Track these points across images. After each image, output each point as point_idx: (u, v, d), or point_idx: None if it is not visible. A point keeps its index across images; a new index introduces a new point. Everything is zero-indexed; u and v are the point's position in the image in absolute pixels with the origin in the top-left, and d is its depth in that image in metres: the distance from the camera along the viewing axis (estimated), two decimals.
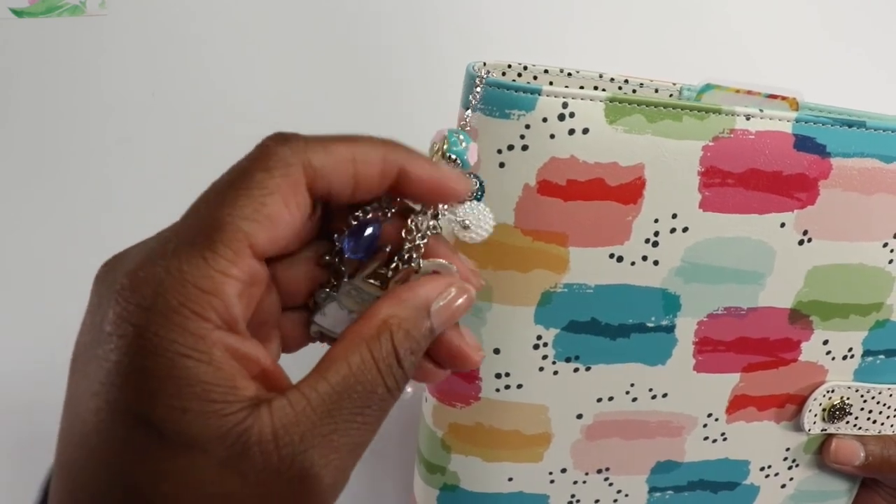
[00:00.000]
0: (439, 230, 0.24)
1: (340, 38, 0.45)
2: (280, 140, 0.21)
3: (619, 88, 0.35)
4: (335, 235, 0.24)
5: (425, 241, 0.24)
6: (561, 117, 0.29)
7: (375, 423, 0.21)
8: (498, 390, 0.34)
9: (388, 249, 0.24)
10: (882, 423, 0.38)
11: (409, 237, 0.24)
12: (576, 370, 0.34)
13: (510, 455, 0.35)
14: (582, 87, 0.35)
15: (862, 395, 0.37)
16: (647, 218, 0.31)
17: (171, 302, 0.18)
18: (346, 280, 0.24)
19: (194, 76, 0.45)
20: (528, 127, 0.29)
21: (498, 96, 0.29)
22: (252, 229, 0.19)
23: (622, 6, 0.47)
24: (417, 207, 0.24)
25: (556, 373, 0.34)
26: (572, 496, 0.37)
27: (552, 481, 0.36)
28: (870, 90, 0.49)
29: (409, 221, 0.24)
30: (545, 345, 0.33)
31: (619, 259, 0.32)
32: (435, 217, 0.24)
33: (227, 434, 0.18)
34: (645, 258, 0.32)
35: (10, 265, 0.45)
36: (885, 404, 0.37)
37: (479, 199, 0.26)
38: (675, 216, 0.31)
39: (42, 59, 0.44)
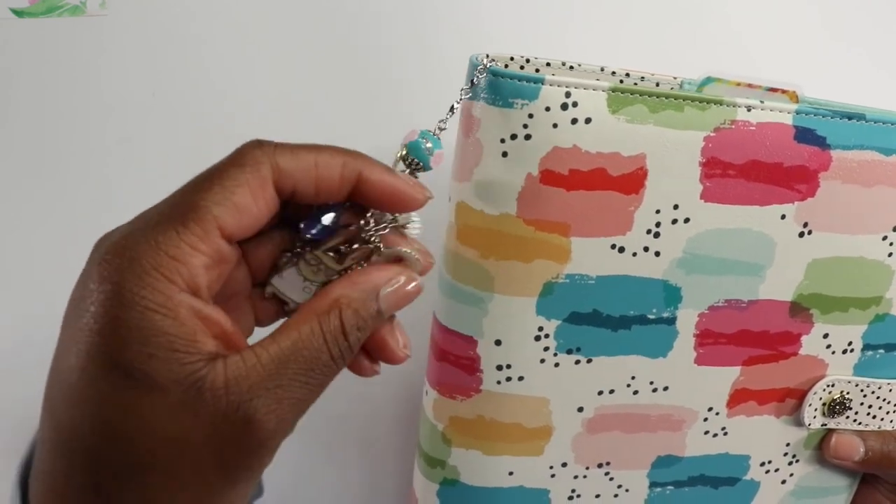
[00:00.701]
0: (398, 222, 0.27)
1: (341, 38, 0.46)
2: (255, 144, 0.24)
3: (621, 82, 0.35)
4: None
5: (385, 230, 0.26)
6: (564, 106, 0.29)
7: (318, 386, 0.24)
8: (499, 382, 0.34)
9: (351, 228, 0.26)
10: (882, 419, 0.38)
11: (366, 227, 0.26)
12: (577, 362, 0.34)
13: (511, 448, 0.35)
14: None
15: (862, 390, 0.37)
16: (649, 208, 0.31)
17: (145, 265, 0.22)
18: (307, 249, 0.27)
19: (195, 76, 0.45)
20: (531, 116, 0.29)
21: (501, 85, 0.29)
22: (221, 213, 0.23)
23: (623, 6, 0.47)
24: None
25: (557, 365, 0.34)
26: (573, 491, 0.37)
27: (553, 475, 0.36)
28: (870, 88, 0.49)
29: (367, 214, 0.26)
30: (546, 336, 0.33)
31: (621, 250, 0.32)
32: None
33: (185, 379, 0.21)
34: (646, 249, 0.32)
35: (10, 265, 0.45)
36: (885, 399, 0.37)
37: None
38: (676, 207, 0.31)
39: (42, 59, 0.44)
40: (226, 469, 0.23)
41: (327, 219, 0.26)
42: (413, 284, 0.26)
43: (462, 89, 0.30)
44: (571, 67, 0.35)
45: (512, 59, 0.34)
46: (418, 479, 0.38)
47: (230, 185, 0.23)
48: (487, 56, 0.33)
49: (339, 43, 0.47)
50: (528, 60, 0.34)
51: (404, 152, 0.28)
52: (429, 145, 0.27)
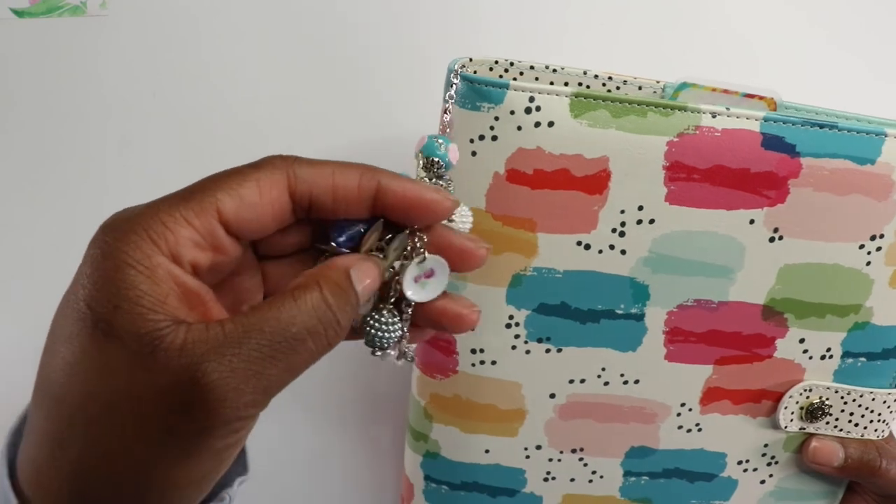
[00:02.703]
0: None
1: (339, 38, 0.45)
2: (277, 155, 0.25)
3: (603, 85, 0.36)
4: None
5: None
6: (528, 110, 0.31)
7: (288, 364, 0.23)
8: (473, 365, 0.36)
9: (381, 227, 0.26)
10: (865, 427, 0.38)
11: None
12: (547, 350, 0.36)
13: (486, 428, 0.38)
14: (566, 84, 0.36)
15: (842, 397, 0.37)
16: (613, 208, 0.33)
17: (135, 226, 0.23)
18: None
19: (195, 77, 0.45)
20: (497, 119, 0.31)
21: (470, 90, 0.31)
22: (222, 198, 0.24)
23: (620, 10, 0.48)
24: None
25: (528, 352, 0.36)
26: (548, 473, 0.39)
27: (528, 457, 0.38)
28: (861, 91, 0.48)
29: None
30: (517, 324, 0.35)
31: (587, 247, 0.33)
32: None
33: (144, 335, 0.22)
34: (612, 247, 0.33)
35: (10, 265, 0.46)
36: (867, 408, 0.37)
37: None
38: (641, 208, 0.33)
39: (42, 59, 0.44)
40: (173, 432, 0.22)
41: (355, 227, 0.26)
42: (369, 261, 0.25)
43: (447, 94, 0.33)
44: (555, 70, 0.36)
45: (496, 62, 0.36)
46: (407, 451, 0.41)
47: (240, 179, 0.24)
48: (471, 60, 0.35)
49: (338, 43, 0.46)
50: (511, 63, 0.36)
51: (422, 159, 0.27)
52: (440, 142, 0.27)
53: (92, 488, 0.23)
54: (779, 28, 0.49)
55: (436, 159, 0.27)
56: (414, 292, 0.26)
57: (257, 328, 0.22)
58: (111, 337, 0.22)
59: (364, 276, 0.25)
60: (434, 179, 0.28)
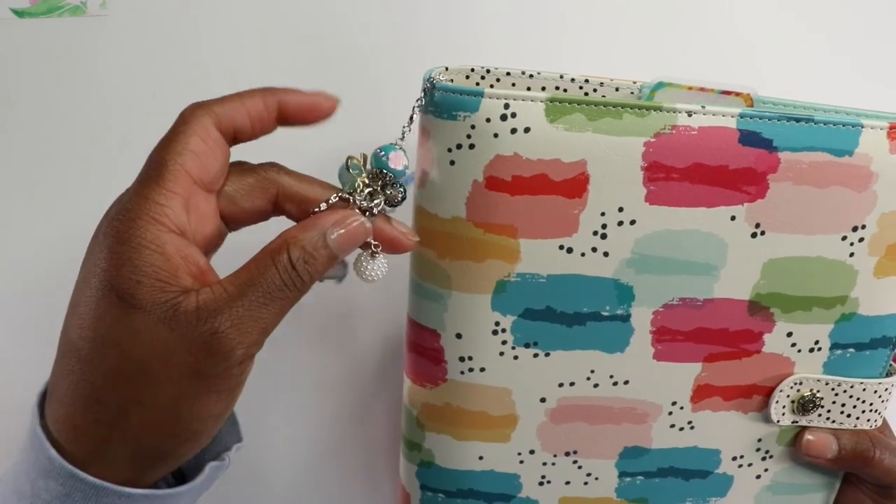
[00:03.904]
0: (384, 211, 0.32)
1: (341, 39, 0.46)
2: (192, 105, 0.30)
3: (580, 87, 0.36)
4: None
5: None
6: (503, 117, 0.31)
7: (278, 308, 0.29)
8: (462, 373, 0.36)
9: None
10: (857, 418, 0.38)
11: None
12: (535, 355, 0.36)
13: (479, 435, 0.38)
14: (543, 88, 0.36)
15: (833, 389, 0.37)
16: (594, 211, 0.33)
17: (139, 212, 0.28)
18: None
19: (196, 77, 0.45)
20: (473, 127, 0.31)
21: (445, 99, 0.31)
22: (184, 160, 0.29)
23: (621, 8, 0.48)
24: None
25: (516, 357, 0.36)
26: (542, 476, 0.39)
27: (521, 462, 0.38)
28: (858, 89, 0.48)
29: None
30: (503, 331, 0.35)
31: (569, 250, 0.33)
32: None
33: (164, 302, 0.27)
34: (595, 250, 0.33)
35: (10, 266, 0.46)
36: (858, 398, 0.37)
37: (397, 204, 0.32)
38: (621, 209, 0.33)
39: (43, 59, 0.44)
40: (199, 374, 0.28)
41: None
42: (357, 223, 0.30)
43: (418, 103, 0.33)
44: (531, 75, 0.36)
45: (472, 69, 0.36)
46: (401, 461, 0.41)
47: (182, 139, 0.29)
48: (447, 69, 0.35)
49: (338, 44, 0.47)
50: (488, 71, 0.36)
51: (367, 172, 0.32)
52: (381, 152, 0.31)
53: (135, 431, 0.28)
54: (779, 28, 0.49)
55: (382, 170, 0.31)
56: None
57: (250, 286, 0.28)
58: (137, 308, 0.27)
59: (339, 232, 0.30)
60: (382, 186, 0.32)
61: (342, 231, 0.30)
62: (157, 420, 0.28)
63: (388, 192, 0.31)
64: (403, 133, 0.32)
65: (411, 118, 0.32)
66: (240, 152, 0.32)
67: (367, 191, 0.31)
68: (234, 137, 0.31)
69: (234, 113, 0.30)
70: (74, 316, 0.28)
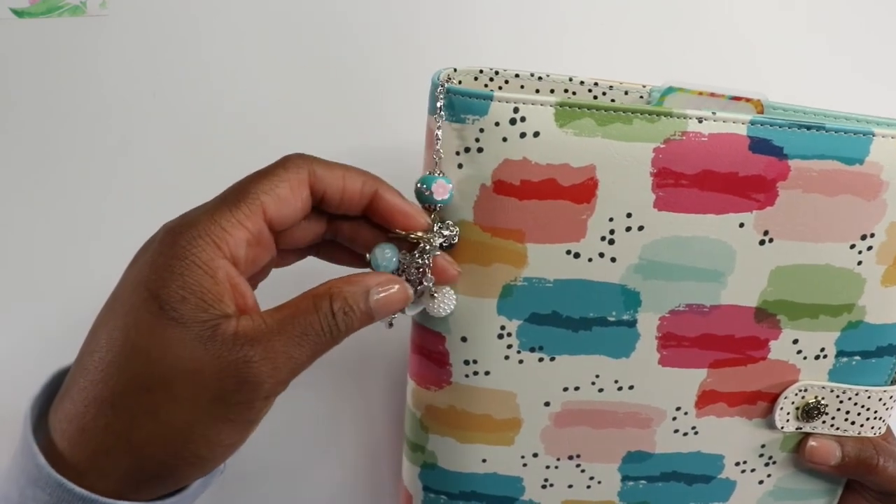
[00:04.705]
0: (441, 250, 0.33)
1: (342, 39, 0.46)
2: (298, 154, 0.31)
3: (589, 91, 0.36)
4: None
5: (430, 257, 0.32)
6: (512, 121, 0.31)
7: (311, 350, 0.29)
8: (467, 376, 0.36)
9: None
10: (862, 425, 0.38)
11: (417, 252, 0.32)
12: (540, 360, 0.35)
13: (483, 438, 0.38)
14: (552, 91, 0.36)
15: (837, 396, 0.37)
16: (602, 217, 0.33)
17: (200, 230, 0.28)
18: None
19: (195, 77, 0.45)
20: (482, 131, 0.31)
21: (454, 102, 0.31)
22: (266, 200, 0.29)
23: (621, 8, 0.48)
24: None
25: (521, 361, 0.35)
26: (545, 480, 0.39)
27: (525, 465, 0.38)
28: (859, 91, 0.48)
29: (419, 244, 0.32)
30: (509, 335, 0.35)
31: (577, 255, 0.33)
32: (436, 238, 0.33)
33: (205, 322, 0.27)
34: (602, 255, 0.33)
35: (10, 266, 0.46)
36: (863, 406, 0.37)
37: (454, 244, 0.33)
38: (629, 215, 0.33)
39: (42, 59, 0.44)
40: (222, 400, 0.27)
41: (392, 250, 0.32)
42: (397, 290, 0.31)
43: (431, 107, 0.32)
44: (540, 77, 0.36)
45: (481, 71, 0.36)
46: (404, 463, 0.41)
47: (275, 180, 0.29)
48: (455, 71, 0.35)
49: (339, 44, 0.47)
50: (496, 72, 0.36)
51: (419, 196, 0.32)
52: (422, 186, 0.32)
53: (141, 445, 0.27)
54: (778, 29, 0.49)
55: (432, 205, 0.32)
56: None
57: (290, 323, 0.28)
58: (177, 321, 0.27)
59: (380, 295, 0.31)
60: (432, 211, 0.32)
61: (382, 294, 0.30)
62: (166, 437, 0.27)
63: (446, 234, 0.32)
64: (437, 158, 0.32)
65: (435, 125, 0.32)
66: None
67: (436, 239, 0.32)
68: (321, 201, 0.31)
69: (332, 181, 0.30)
70: (109, 315, 0.28)
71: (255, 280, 0.33)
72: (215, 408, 0.27)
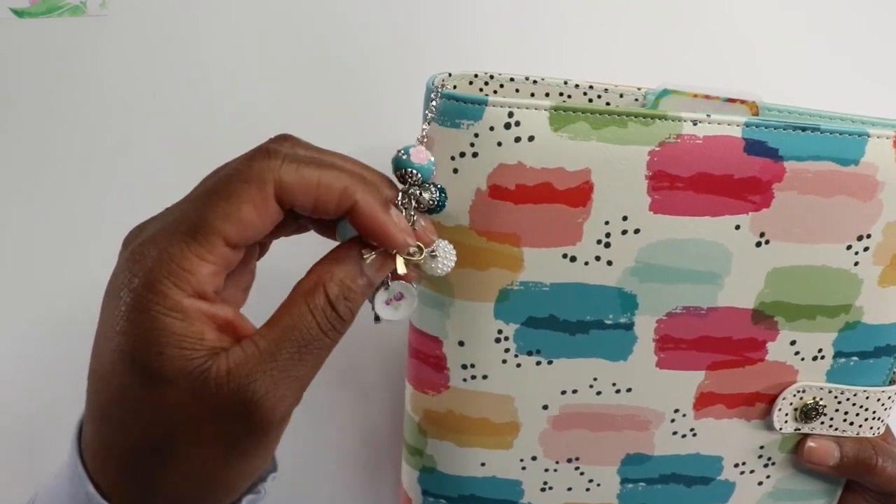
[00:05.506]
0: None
1: (342, 39, 0.46)
2: (263, 155, 0.26)
3: (584, 94, 0.36)
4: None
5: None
6: (507, 126, 0.31)
7: (315, 361, 0.27)
8: (465, 380, 0.36)
9: None
10: (860, 425, 0.38)
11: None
12: (538, 363, 0.35)
13: (481, 441, 0.38)
14: (547, 94, 0.36)
15: (836, 397, 0.37)
16: (598, 220, 0.32)
17: (157, 276, 0.25)
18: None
19: (196, 77, 0.45)
20: (476, 136, 0.31)
21: (449, 107, 0.31)
22: (225, 228, 0.25)
23: (621, 8, 0.48)
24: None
25: (518, 365, 0.35)
26: (545, 483, 0.39)
27: (524, 468, 0.38)
28: (859, 91, 0.48)
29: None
30: (506, 339, 0.35)
31: (573, 259, 0.33)
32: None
33: (191, 372, 0.25)
34: (598, 258, 0.33)
35: (10, 266, 0.46)
36: (861, 406, 0.37)
37: (441, 207, 0.31)
38: (625, 218, 0.33)
39: (42, 59, 0.44)
40: (233, 443, 0.26)
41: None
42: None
43: (426, 111, 0.32)
44: (535, 81, 0.36)
45: (476, 76, 0.36)
46: (403, 466, 0.41)
47: (235, 202, 0.25)
48: (450, 75, 0.35)
49: (339, 44, 0.47)
50: (491, 77, 0.36)
51: (396, 174, 0.30)
52: (401, 151, 0.29)
53: (166, 492, 0.26)
54: (778, 29, 0.49)
55: (408, 169, 0.29)
56: (387, 314, 0.30)
57: (285, 338, 0.26)
58: (163, 382, 0.25)
59: (372, 256, 0.28)
60: (415, 188, 0.30)
61: (372, 257, 0.28)
62: (186, 482, 0.26)
63: (424, 197, 0.30)
64: (423, 138, 0.31)
65: (428, 121, 0.32)
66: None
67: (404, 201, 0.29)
68: (291, 210, 0.27)
69: (302, 195, 0.26)
70: (98, 378, 0.26)
71: (242, 283, 0.31)
72: (228, 450, 0.26)
